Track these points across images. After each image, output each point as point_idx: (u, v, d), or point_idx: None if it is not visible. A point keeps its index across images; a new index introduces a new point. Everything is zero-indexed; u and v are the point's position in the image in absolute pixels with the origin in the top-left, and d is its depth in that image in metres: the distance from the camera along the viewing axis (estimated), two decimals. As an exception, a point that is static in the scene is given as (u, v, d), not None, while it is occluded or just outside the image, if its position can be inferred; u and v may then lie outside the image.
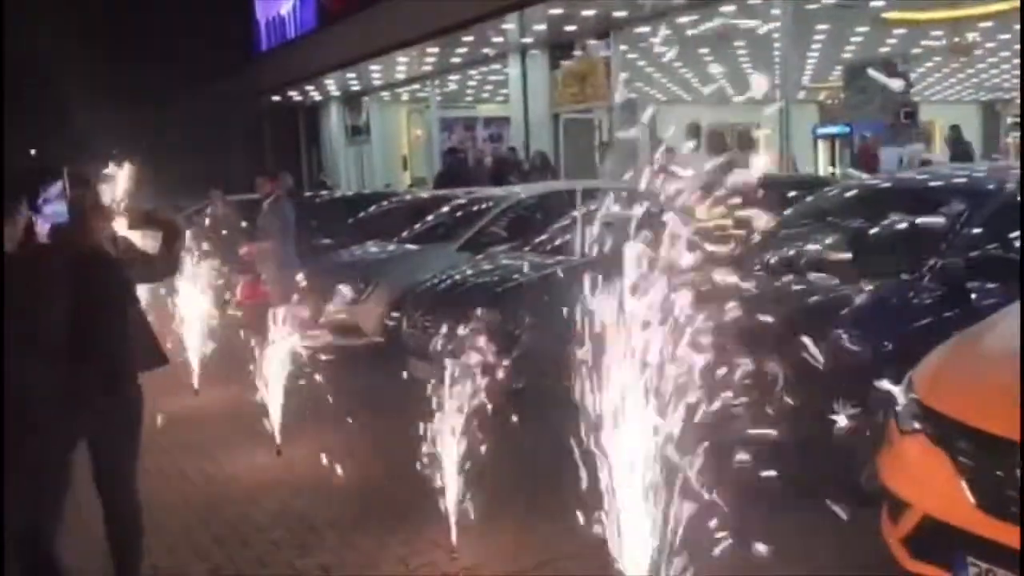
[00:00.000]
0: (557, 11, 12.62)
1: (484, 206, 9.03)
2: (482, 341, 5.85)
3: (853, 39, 14.96)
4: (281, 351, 5.98)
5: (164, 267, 3.78)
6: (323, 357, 7.45)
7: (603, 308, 3.38)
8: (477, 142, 23.82)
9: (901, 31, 14.08)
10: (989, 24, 13.64)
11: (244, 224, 9.59)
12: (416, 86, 21.15)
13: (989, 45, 15.50)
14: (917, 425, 2.98)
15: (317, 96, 22.81)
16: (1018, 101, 23.86)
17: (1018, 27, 14.13)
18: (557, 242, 7.16)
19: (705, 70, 18.66)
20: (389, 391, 6.73)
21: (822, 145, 19.35)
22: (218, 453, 5.77)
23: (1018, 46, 15.86)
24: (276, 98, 22.75)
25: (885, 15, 12.54)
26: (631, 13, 12.65)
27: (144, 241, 4.22)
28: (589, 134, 15.66)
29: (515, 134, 16.86)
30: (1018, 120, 22.99)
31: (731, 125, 24.04)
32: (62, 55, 24.94)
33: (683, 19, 12.91)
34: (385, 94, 22.31)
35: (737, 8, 11.99)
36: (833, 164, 17.56)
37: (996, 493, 2.61)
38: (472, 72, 19.13)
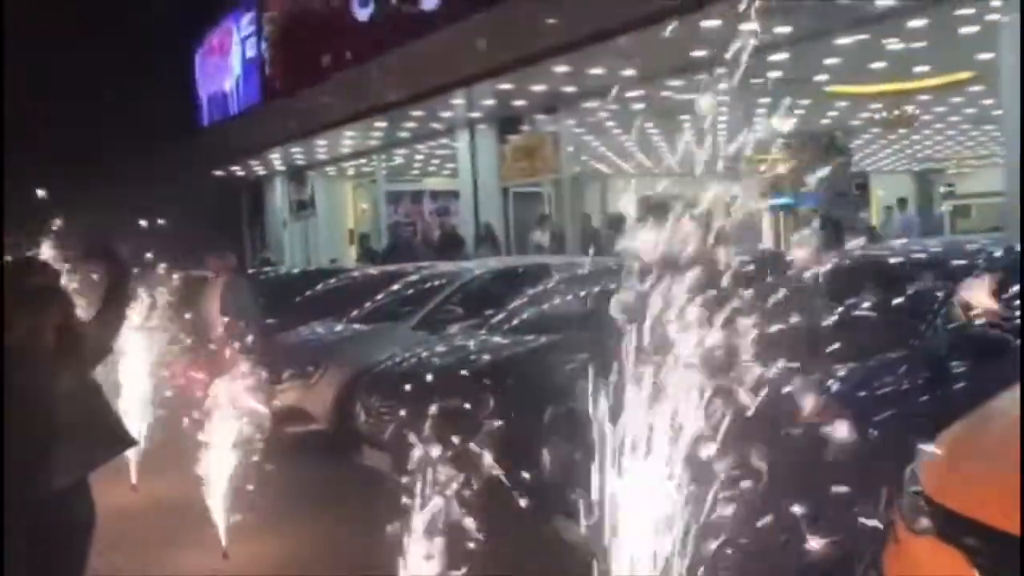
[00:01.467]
0: (505, 87, 12.64)
1: (438, 283, 8.81)
2: (444, 428, 5.54)
3: (795, 111, 15.26)
4: (226, 440, 5.62)
5: (109, 325, 3.44)
6: (270, 445, 7.06)
7: (577, 392, 3.16)
8: (424, 215, 23.73)
9: (842, 103, 14.41)
10: (925, 97, 14.03)
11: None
12: (362, 160, 21.05)
13: (925, 117, 15.95)
14: (926, 523, 2.78)
15: (261, 170, 22.58)
16: (950, 172, 24.68)
17: (954, 99, 14.63)
18: (516, 320, 6.93)
19: (650, 143, 18.96)
20: (342, 483, 6.38)
21: (767, 218, 19.61)
22: (160, 555, 5.34)
23: (954, 118, 16.38)
24: (219, 172, 22.44)
25: (828, 88, 12.81)
26: (579, 88, 12.74)
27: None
28: (538, 208, 15.64)
29: (464, 208, 16.77)
30: (951, 190, 23.73)
31: (677, 197, 24.34)
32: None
33: (631, 93, 13.02)
34: (330, 168, 22.16)
35: (684, 83, 12.13)
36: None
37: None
38: (419, 146, 19.09)
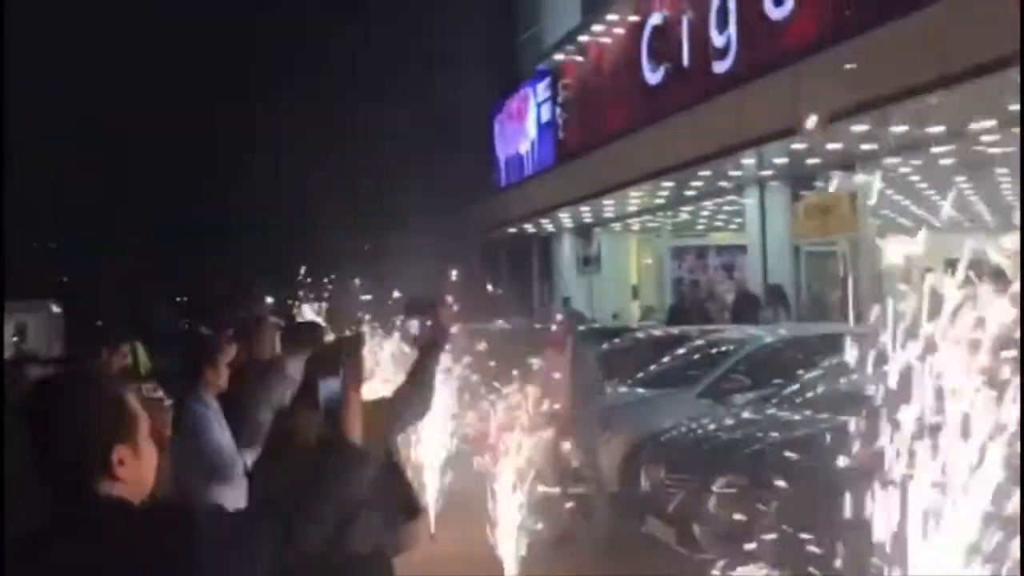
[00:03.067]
0: (799, 146, 12.30)
1: (725, 348, 8.69)
2: (729, 509, 5.46)
3: None
4: (517, 498, 5.89)
5: (412, 396, 3.37)
6: (557, 505, 7.28)
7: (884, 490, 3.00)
8: (709, 271, 23.44)
9: None
10: None
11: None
12: (647, 216, 21.27)
13: None
14: None
15: (551, 227, 23.48)
16: None
17: None
18: (811, 394, 6.65)
19: (961, 197, 17.51)
20: (623, 548, 6.43)
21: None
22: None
23: None
24: (513, 230, 23.63)
25: None
26: (879, 146, 12.11)
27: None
28: (833, 268, 14.94)
29: (752, 266, 16.39)
30: None
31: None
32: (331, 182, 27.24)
33: (937, 149, 12.20)
34: (616, 225, 22.59)
35: (1000, 136, 11.16)
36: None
37: None
38: (705, 203, 18.97)
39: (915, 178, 14.83)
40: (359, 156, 26.19)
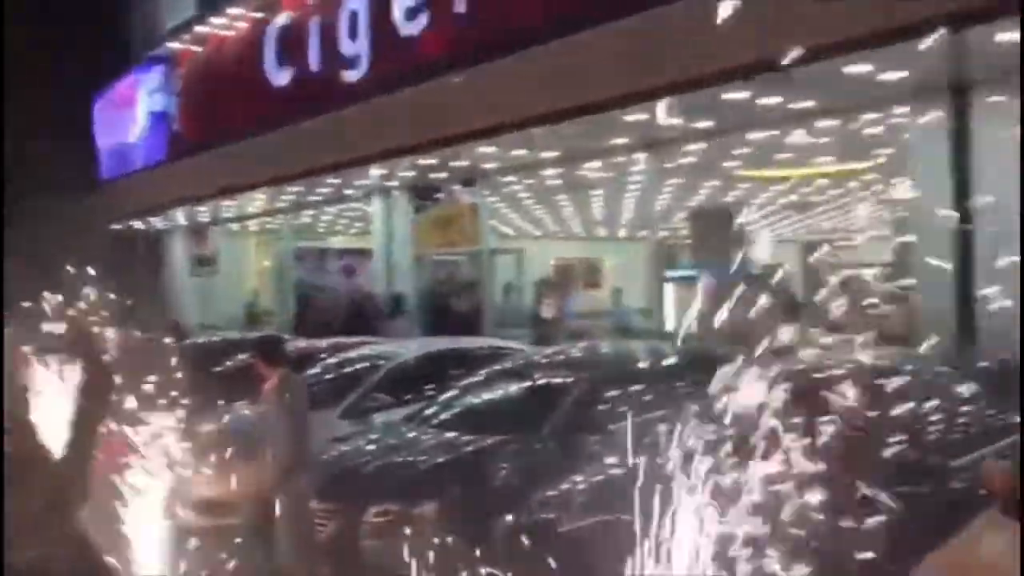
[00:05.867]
0: (426, 161, 12.72)
1: (363, 365, 8.70)
2: (384, 539, 5.46)
3: (701, 191, 15.86)
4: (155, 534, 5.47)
5: (85, 456, 2.82)
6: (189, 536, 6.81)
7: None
8: (330, 275, 23.39)
9: (746, 185, 15.09)
10: (824, 182, 14.90)
11: None
12: (267, 218, 20.75)
13: (817, 198, 16.99)
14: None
15: (162, 225, 21.93)
16: (839, 244, 25.87)
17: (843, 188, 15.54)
18: (451, 413, 6.88)
19: (562, 213, 19.38)
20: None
21: (670, 289, 20.24)
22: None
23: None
24: (117, 227, 21.66)
25: (737, 172, 13.41)
26: (500, 164, 12.95)
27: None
28: (459, 275, 15.69)
29: (377, 271, 16.62)
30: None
31: (579, 259, 25.00)
32: None
33: (546, 172, 13.34)
34: (234, 224, 21.75)
35: (601, 164, 12.49)
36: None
37: None
38: (329, 207, 18.95)
39: (525, 194, 16.10)
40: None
